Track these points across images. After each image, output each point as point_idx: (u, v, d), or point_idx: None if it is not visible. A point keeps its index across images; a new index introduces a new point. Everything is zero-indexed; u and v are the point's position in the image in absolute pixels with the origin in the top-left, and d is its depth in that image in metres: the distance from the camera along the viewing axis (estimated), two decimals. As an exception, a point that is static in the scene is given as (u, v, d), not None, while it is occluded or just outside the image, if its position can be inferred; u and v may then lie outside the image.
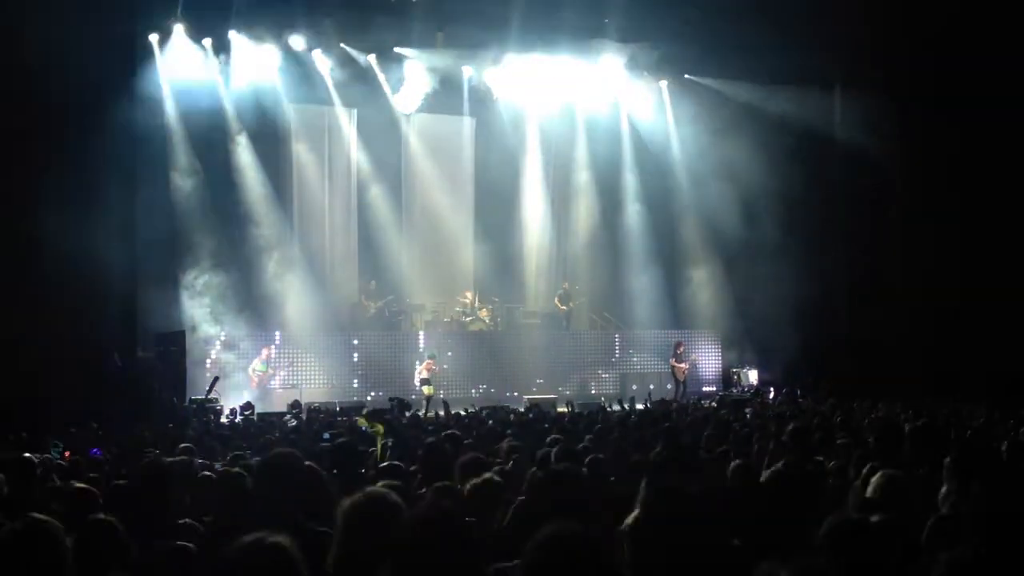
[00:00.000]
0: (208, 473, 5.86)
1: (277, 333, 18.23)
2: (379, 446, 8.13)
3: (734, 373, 20.78)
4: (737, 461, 5.51)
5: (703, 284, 21.28)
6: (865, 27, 18.35)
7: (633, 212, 21.81)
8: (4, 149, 14.33)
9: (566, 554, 2.25)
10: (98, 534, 3.54)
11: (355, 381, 18.70)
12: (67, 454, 9.13)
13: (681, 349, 20.02)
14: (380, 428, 8.41)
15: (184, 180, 17.86)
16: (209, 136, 18.32)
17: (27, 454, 6.08)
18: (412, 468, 6.04)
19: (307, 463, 4.94)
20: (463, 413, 12.73)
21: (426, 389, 17.93)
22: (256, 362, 17.77)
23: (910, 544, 3.53)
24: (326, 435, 8.91)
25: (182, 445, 7.97)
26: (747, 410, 13.42)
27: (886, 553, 3.01)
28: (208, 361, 17.41)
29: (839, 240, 20.54)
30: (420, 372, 18.56)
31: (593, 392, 19.84)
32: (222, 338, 17.71)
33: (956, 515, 3.75)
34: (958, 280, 17.97)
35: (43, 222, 14.23)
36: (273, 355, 17.98)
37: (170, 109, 18.00)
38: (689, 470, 5.19)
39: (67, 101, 15.08)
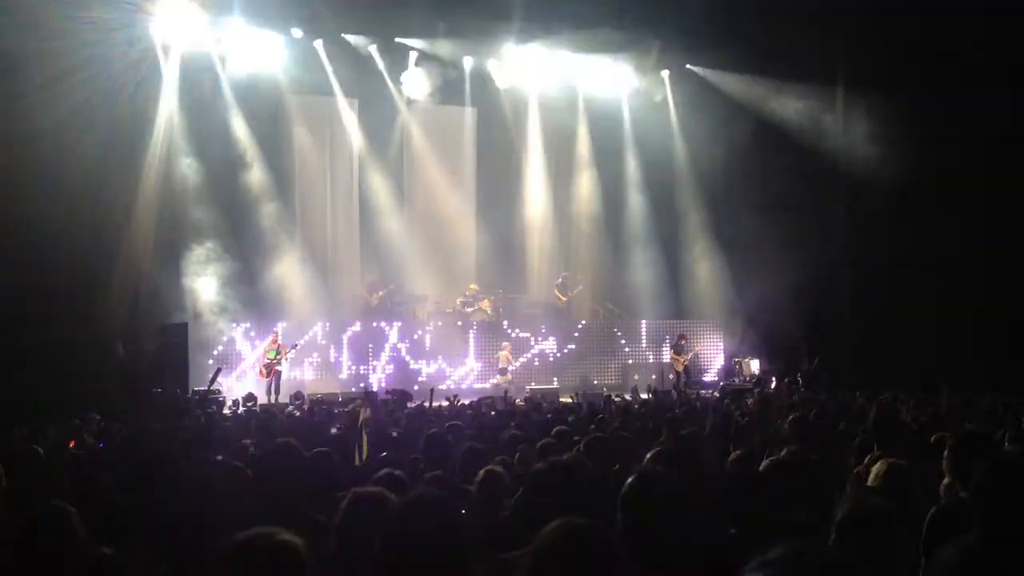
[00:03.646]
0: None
1: (279, 324, 18.13)
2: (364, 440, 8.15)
3: (736, 363, 20.75)
4: (738, 451, 5.52)
5: (705, 273, 21.22)
6: (868, 21, 18.30)
7: (635, 200, 21.81)
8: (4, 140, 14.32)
9: (572, 547, 2.26)
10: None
11: (356, 370, 18.71)
12: (71, 443, 9.17)
13: (684, 341, 19.97)
14: None
15: (186, 168, 17.86)
16: (210, 124, 18.31)
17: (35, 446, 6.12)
18: (413, 457, 6.08)
19: (319, 450, 4.97)
20: (466, 403, 12.76)
21: (501, 377, 18.35)
22: (266, 345, 17.36)
23: (911, 533, 3.55)
24: (333, 430, 8.91)
25: (184, 436, 7.98)
26: (748, 400, 13.42)
27: (893, 540, 3.03)
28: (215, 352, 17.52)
29: (842, 229, 20.50)
30: (498, 360, 18.86)
31: (595, 383, 19.79)
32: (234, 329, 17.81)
33: (955, 504, 3.77)
34: (962, 270, 17.94)
35: (45, 210, 14.23)
36: (280, 342, 17.53)
37: (171, 97, 17.98)
38: (690, 460, 5.21)
39: (71, 89, 15.06)
